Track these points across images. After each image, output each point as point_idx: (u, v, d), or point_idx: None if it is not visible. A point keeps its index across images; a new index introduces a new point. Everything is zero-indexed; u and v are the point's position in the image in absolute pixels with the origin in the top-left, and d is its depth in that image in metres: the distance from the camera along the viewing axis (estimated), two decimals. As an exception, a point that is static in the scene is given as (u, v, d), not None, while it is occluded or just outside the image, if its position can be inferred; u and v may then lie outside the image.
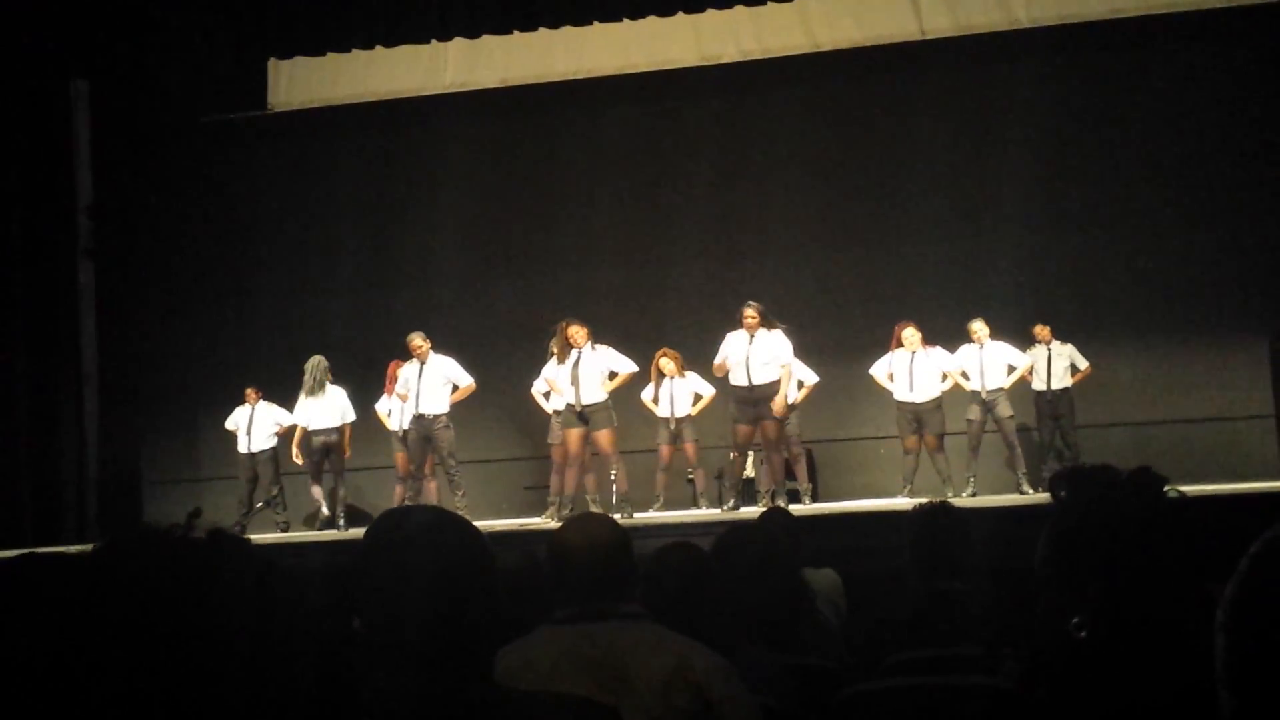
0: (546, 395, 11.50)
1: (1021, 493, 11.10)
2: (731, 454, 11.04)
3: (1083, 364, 11.64)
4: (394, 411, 11.72)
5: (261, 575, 1.54)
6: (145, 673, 1.39)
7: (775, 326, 10.61)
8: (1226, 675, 0.85)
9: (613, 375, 10.86)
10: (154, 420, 13.89)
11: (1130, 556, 2.05)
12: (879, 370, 11.51)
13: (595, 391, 10.66)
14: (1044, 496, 11.14)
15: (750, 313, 10.55)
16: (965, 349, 11.43)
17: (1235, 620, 0.85)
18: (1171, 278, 12.24)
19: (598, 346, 10.77)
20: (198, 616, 1.43)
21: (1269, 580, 0.84)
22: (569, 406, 10.71)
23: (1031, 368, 11.53)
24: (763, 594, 4.09)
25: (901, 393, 11.33)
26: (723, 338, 10.72)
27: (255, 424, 12.39)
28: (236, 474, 12.53)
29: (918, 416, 11.27)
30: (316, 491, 12.12)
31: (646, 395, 11.60)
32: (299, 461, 12.22)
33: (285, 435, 12.40)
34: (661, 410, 11.52)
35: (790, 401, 11.30)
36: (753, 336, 10.56)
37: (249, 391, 12.46)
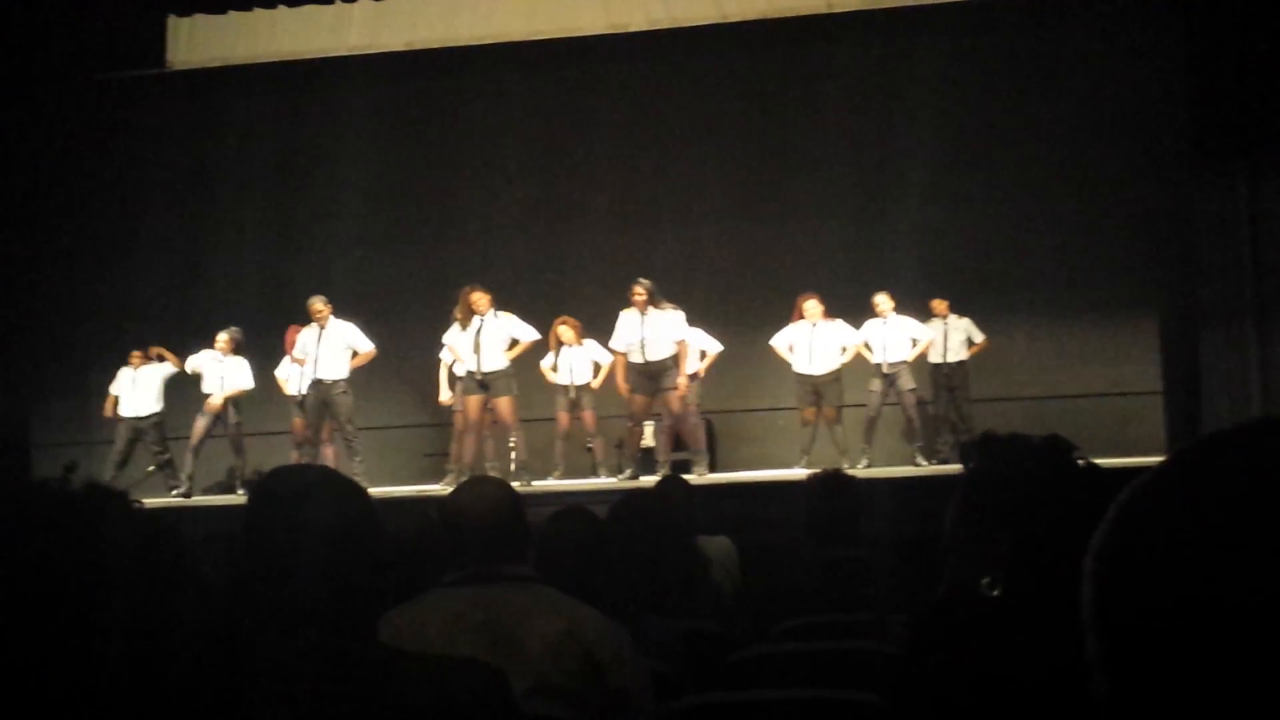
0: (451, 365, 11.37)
1: (916, 464, 11.27)
2: (629, 424, 11.07)
3: (979, 338, 11.79)
4: (291, 377, 11.58)
5: (145, 532, 1.51)
6: (18, 633, 1.37)
7: (664, 304, 10.70)
8: (1093, 623, 0.86)
9: (514, 343, 10.83)
10: (43, 383, 13.59)
11: (1036, 523, 2.08)
12: (779, 342, 11.58)
13: (497, 359, 10.62)
14: (939, 469, 11.29)
15: (639, 290, 10.66)
16: (870, 323, 11.54)
17: (1102, 567, 0.86)
18: (1066, 255, 12.45)
19: (500, 314, 10.73)
20: (75, 571, 1.41)
21: (1135, 528, 0.86)
22: (469, 373, 10.66)
23: (932, 341, 11.67)
24: (656, 560, 4.12)
25: (801, 365, 11.41)
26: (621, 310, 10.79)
27: (139, 387, 12.11)
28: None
29: (816, 389, 11.35)
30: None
31: (545, 363, 11.56)
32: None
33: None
34: (560, 378, 11.48)
35: (693, 371, 11.31)
36: (644, 314, 10.64)
37: (133, 355, 12.14)
